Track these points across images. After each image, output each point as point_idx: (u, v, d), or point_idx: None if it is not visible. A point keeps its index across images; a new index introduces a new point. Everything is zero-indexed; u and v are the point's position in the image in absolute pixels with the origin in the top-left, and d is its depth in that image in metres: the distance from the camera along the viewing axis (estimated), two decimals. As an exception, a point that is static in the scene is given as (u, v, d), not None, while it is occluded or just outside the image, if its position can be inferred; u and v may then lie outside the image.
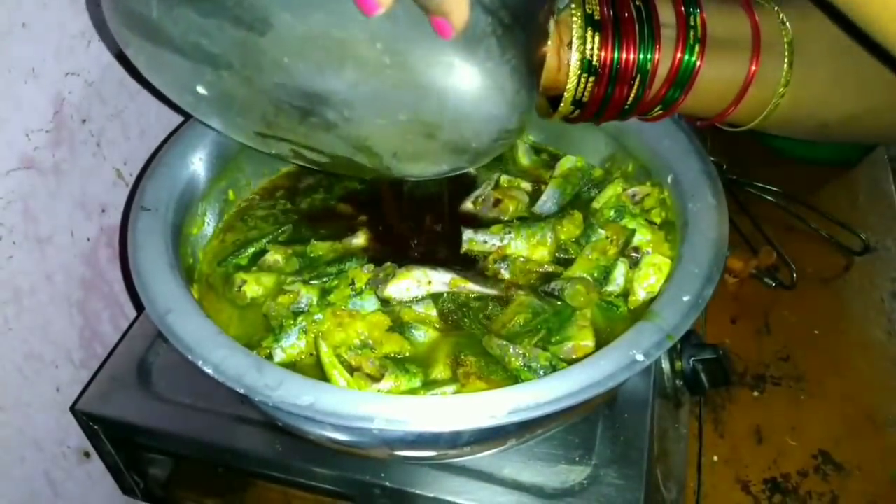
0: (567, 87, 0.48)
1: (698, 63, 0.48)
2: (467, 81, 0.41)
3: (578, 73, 0.48)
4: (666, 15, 0.48)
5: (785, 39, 0.49)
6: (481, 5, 0.40)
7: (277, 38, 0.41)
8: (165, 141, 0.58)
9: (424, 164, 0.48)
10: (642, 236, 0.54)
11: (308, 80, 0.42)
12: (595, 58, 0.47)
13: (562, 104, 0.50)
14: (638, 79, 0.48)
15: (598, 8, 0.47)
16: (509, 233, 0.56)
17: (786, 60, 0.49)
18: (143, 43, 0.45)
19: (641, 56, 0.47)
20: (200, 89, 0.46)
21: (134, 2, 0.43)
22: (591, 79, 0.48)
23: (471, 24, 0.39)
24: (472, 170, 0.62)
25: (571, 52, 0.47)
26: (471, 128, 0.44)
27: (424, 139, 0.45)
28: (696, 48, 0.48)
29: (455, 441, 0.46)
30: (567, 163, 0.62)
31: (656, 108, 0.51)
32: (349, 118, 0.44)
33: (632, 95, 0.49)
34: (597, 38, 0.47)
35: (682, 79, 0.48)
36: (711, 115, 0.52)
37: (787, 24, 0.49)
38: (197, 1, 0.41)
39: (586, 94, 0.49)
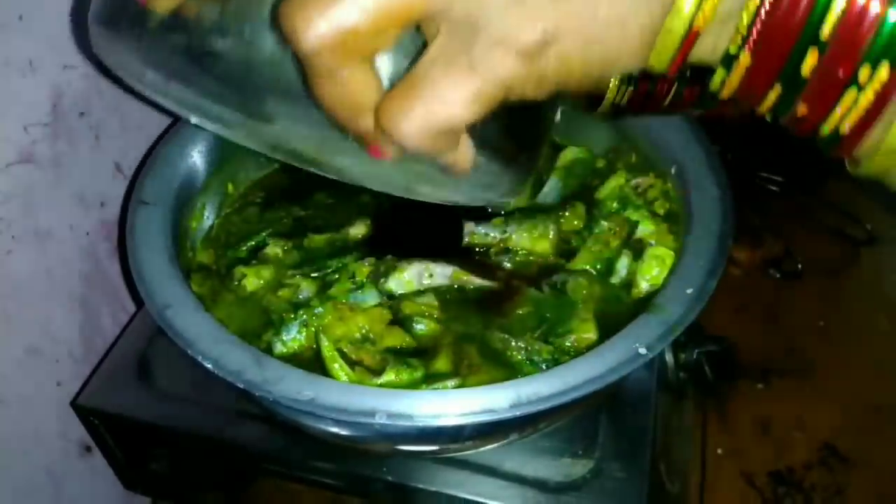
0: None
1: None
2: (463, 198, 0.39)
3: (617, 84, 0.46)
4: None
5: None
6: (488, 148, 0.36)
7: (281, 128, 0.38)
8: (164, 134, 0.58)
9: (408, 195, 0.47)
10: (646, 228, 0.54)
11: (307, 152, 0.39)
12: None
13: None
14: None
15: None
16: (511, 225, 0.55)
17: None
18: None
19: None
20: (194, 119, 0.44)
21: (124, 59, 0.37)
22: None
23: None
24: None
25: None
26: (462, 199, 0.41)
27: (411, 181, 0.41)
28: None
29: (457, 435, 0.46)
30: (570, 154, 0.61)
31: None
32: (343, 172, 0.41)
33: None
34: None
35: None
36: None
37: None
38: (193, 83, 0.36)
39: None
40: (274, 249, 0.55)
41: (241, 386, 0.41)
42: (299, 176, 0.63)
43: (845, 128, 0.27)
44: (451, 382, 0.46)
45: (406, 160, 0.33)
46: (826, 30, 0.24)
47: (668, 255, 0.51)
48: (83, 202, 0.57)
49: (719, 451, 0.68)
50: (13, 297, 0.52)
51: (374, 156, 0.32)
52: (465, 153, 0.33)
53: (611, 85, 0.46)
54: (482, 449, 0.49)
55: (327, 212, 0.60)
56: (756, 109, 0.29)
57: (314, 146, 0.39)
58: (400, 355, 0.48)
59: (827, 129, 0.28)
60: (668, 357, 0.55)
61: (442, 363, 0.48)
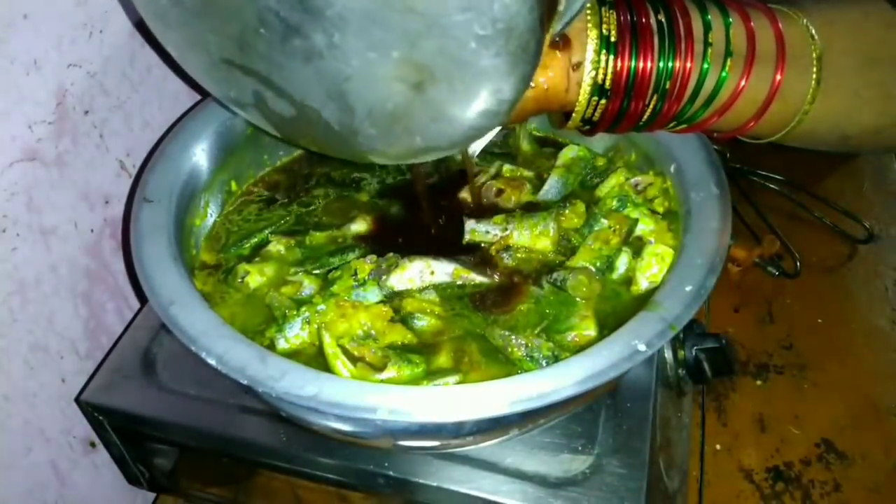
0: (577, 108, 0.47)
1: (727, 77, 0.45)
2: (480, 15, 0.37)
3: (588, 96, 0.46)
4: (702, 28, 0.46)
5: (813, 54, 0.46)
6: None
7: None
8: (168, 132, 0.58)
9: (398, 130, 0.45)
10: (645, 226, 0.54)
11: None
12: (608, 81, 0.45)
13: (570, 122, 0.48)
14: (656, 94, 0.46)
15: (615, 27, 0.44)
16: (511, 223, 0.55)
17: (813, 77, 0.46)
18: None
19: (661, 65, 0.45)
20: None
21: None
22: (602, 101, 0.46)
23: None
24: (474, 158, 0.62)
25: (583, 75, 0.45)
26: (464, 82, 0.41)
27: (409, 91, 0.42)
28: (727, 61, 0.45)
29: (458, 431, 0.47)
30: (570, 152, 0.62)
31: (674, 123, 0.49)
32: (337, 45, 0.40)
33: (648, 110, 0.47)
34: (611, 61, 0.44)
35: (694, 93, 0.46)
36: (729, 130, 0.50)
37: (816, 37, 0.46)
38: None
39: (597, 113, 0.47)
40: (276, 247, 0.56)
41: (245, 382, 0.41)
42: (300, 174, 0.64)
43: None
44: (451, 379, 0.47)
45: None
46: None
47: (667, 253, 0.51)
48: (87, 200, 0.58)
49: (718, 446, 0.68)
50: (18, 294, 0.53)
51: None
52: None
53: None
54: (483, 444, 0.49)
55: (328, 209, 0.60)
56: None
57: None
58: (401, 352, 0.48)
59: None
60: (668, 354, 0.55)
61: (443, 359, 0.48)
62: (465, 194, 0.60)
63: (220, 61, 0.46)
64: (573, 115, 0.47)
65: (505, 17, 0.37)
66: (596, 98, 0.46)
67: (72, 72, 0.53)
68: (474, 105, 0.42)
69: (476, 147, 0.55)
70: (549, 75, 0.45)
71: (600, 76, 0.45)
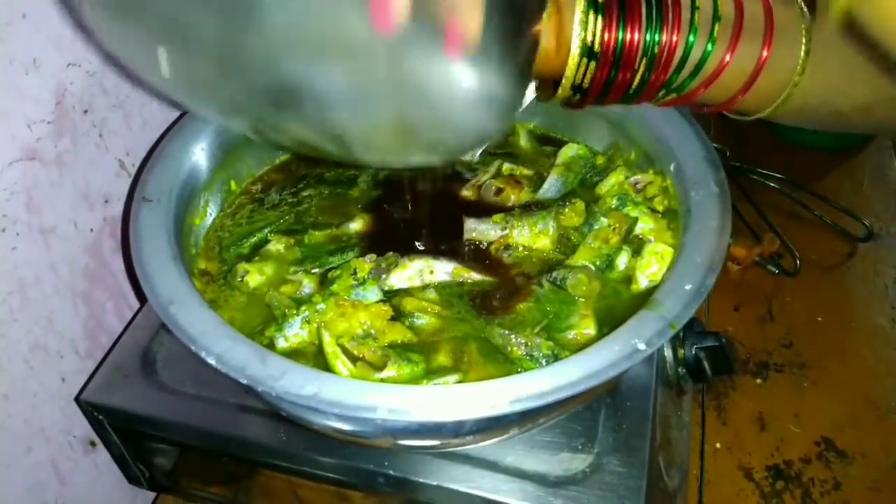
0: (566, 73, 0.46)
1: (715, 44, 0.45)
2: (463, 86, 0.39)
3: (578, 58, 0.45)
4: None
5: (802, 25, 0.46)
6: (493, 7, 0.37)
7: (264, 28, 0.38)
8: (167, 131, 0.58)
9: (393, 156, 0.47)
10: (645, 224, 0.54)
11: (291, 74, 0.39)
12: (596, 42, 0.45)
13: (560, 90, 0.48)
14: (644, 62, 0.45)
15: None
16: (511, 222, 0.55)
17: (802, 48, 0.46)
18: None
19: (648, 37, 0.45)
20: (164, 70, 0.42)
21: None
22: (592, 63, 0.46)
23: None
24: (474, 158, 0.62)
25: (571, 37, 0.45)
26: (454, 132, 0.43)
27: (402, 136, 0.43)
28: (715, 29, 0.45)
29: (458, 430, 0.47)
30: (569, 150, 0.62)
31: (662, 93, 0.48)
32: (327, 113, 0.41)
33: (636, 80, 0.47)
34: (599, 22, 0.44)
35: (681, 63, 0.46)
36: (717, 102, 0.49)
37: (805, 7, 0.46)
38: None
39: (587, 79, 0.47)
40: (276, 246, 0.56)
41: (245, 381, 0.41)
42: (297, 173, 0.64)
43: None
44: (451, 378, 0.47)
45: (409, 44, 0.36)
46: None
47: (667, 252, 0.51)
48: (87, 199, 0.58)
49: (718, 445, 0.68)
50: (18, 294, 0.53)
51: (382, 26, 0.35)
52: (476, 16, 0.37)
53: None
54: (483, 443, 0.49)
55: (321, 208, 0.60)
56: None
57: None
58: (401, 351, 0.48)
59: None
60: (667, 352, 0.55)
61: (443, 358, 0.48)
62: (466, 192, 0.61)
63: (216, 108, 0.46)
64: (563, 81, 0.47)
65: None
66: (586, 60, 0.46)
67: (71, 71, 0.53)
68: (466, 142, 0.45)
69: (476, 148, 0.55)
70: (541, 40, 0.45)
71: (589, 37, 0.45)
